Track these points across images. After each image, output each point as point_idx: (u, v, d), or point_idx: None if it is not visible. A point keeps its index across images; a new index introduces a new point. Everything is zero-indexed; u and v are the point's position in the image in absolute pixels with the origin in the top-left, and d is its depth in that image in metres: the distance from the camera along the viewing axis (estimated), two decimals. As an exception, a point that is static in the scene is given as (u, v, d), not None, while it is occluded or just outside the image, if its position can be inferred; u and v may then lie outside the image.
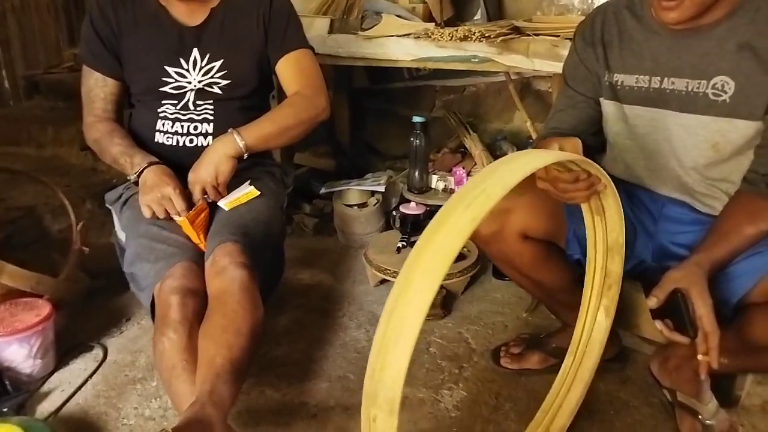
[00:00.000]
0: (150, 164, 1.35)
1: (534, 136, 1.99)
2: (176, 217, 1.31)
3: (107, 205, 1.53)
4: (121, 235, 1.42)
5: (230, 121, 1.41)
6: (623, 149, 1.29)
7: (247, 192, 1.38)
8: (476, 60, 1.78)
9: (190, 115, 1.46)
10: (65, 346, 1.51)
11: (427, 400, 1.35)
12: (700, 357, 1.01)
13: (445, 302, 1.71)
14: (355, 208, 2.16)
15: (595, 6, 1.31)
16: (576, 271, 1.31)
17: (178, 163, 1.41)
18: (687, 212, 1.24)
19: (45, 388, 1.39)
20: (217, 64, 1.44)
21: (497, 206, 1.17)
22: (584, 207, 1.07)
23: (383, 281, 1.80)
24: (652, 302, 1.04)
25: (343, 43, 1.98)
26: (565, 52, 1.35)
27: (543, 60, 1.67)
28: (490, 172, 0.76)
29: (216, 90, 1.46)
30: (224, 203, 1.36)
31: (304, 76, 1.49)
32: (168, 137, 1.46)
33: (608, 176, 0.96)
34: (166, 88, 1.44)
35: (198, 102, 1.46)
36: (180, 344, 1.12)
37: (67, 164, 2.47)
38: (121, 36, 1.44)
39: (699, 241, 1.11)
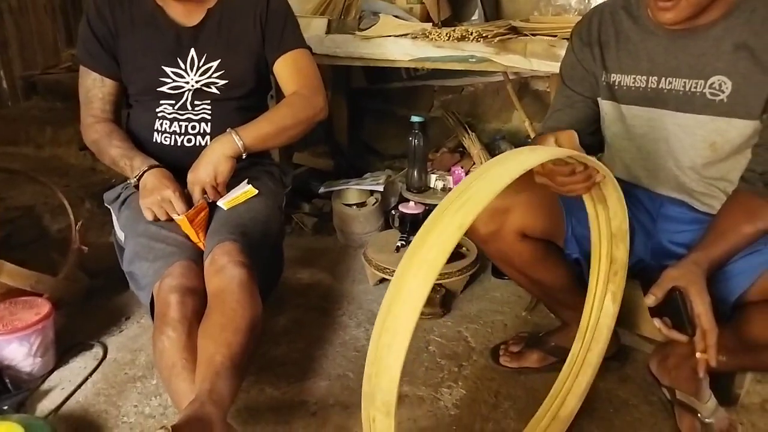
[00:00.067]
0: (150, 167, 1.36)
1: (532, 135, 2.00)
2: (175, 216, 1.31)
3: (106, 205, 1.54)
4: (120, 235, 1.43)
5: (228, 121, 1.42)
6: (621, 149, 1.30)
7: (245, 191, 1.39)
8: (474, 60, 1.78)
9: (188, 115, 1.46)
10: (65, 345, 1.51)
11: (426, 398, 1.35)
12: (698, 355, 1.01)
13: (444, 301, 1.72)
14: (354, 207, 2.16)
15: (592, 6, 1.32)
16: (574, 270, 1.32)
17: (177, 162, 1.41)
18: (685, 211, 1.24)
19: (45, 386, 1.39)
20: (215, 64, 1.44)
21: (496, 205, 1.21)
22: (586, 197, 1.07)
23: (382, 280, 1.81)
24: (650, 300, 1.05)
25: (341, 43, 1.98)
26: (563, 52, 1.36)
27: (540, 60, 1.68)
28: (477, 177, 0.77)
29: (213, 90, 1.46)
30: (223, 202, 1.37)
31: (301, 76, 1.49)
32: (166, 137, 1.46)
33: (605, 166, 0.97)
34: (164, 89, 1.44)
35: (196, 102, 1.46)
36: (179, 343, 1.13)
37: (65, 164, 2.47)
38: (118, 36, 1.44)
39: (697, 239, 1.12)
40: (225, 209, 1.36)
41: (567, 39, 1.33)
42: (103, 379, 1.42)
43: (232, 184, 1.39)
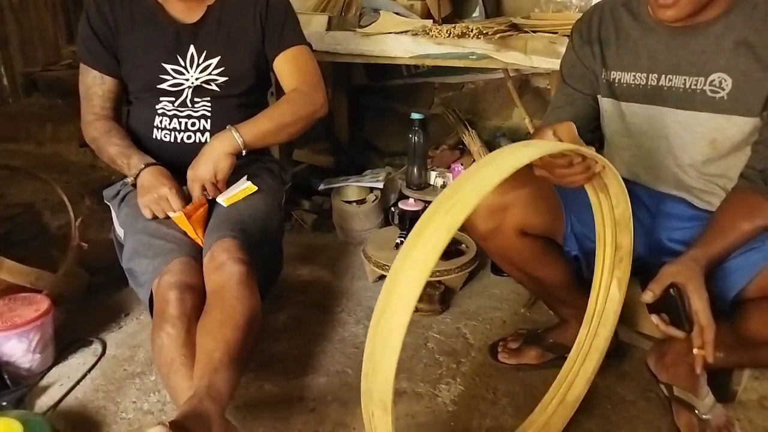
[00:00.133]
0: (147, 165, 1.36)
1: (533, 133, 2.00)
2: (171, 214, 1.31)
3: (106, 202, 1.54)
4: (120, 231, 1.43)
5: (228, 118, 1.42)
6: (621, 146, 1.30)
7: (244, 188, 1.39)
8: (474, 57, 1.78)
9: (188, 112, 1.46)
10: (64, 341, 1.51)
11: (424, 394, 1.35)
12: (695, 351, 1.01)
13: (443, 298, 1.72)
14: (354, 204, 2.16)
15: (592, 3, 1.32)
16: (573, 267, 1.32)
17: (177, 159, 1.41)
18: (685, 208, 1.24)
19: (44, 382, 1.40)
20: (214, 61, 1.44)
21: (495, 202, 1.21)
22: (588, 186, 1.06)
23: (381, 277, 1.81)
24: (648, 297, 1.05)
25: (342, 40, 1.98)
26: (563, 49, 1.36)
27: (541, 57, 1.67)
28: (467, 178, 0.78)
29: (213, 87, 1.46)
30: (222, 199, 1.37)
31: (301, 72, 1.49)
32: (166, 134, 1.46)
33: (602, 156, 0.96)
34: (164, 86, 1.44)
35: (196, 99, 1.46)
36: (178, 339, 1.13)
37: (66, 161, 2.47)
38: (118, 34, 1.44)
39: (696, 236, 1.12)
40: (224, 206, 1.36)
41: (567, 36, 1.33)
42: (102, 376, 1.42)
43: (231, 180, 1.39)
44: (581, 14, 1.31)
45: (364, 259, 1.83)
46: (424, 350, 1.52)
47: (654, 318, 1.06)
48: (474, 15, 2.11)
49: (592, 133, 1.32)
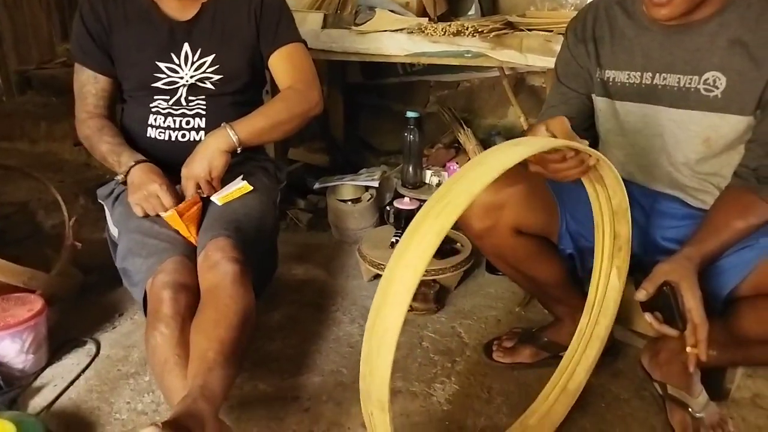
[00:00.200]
0: (137, 162, 1.35)
1: (528, 131, 2.00)
2: (162, 213, 1.30)
3: (100, 201, 1.53)
4: (114, 231, 1.42)
5: (223, 116, 1.41)
6: (615, 145, 1.30)
7: (239, 187, 1.38)
8: (469, 55, 1.78)
9: (183, 110, 1.45)
10: (58, 341, 1.50)
11: (419, 393, 1.35)
12: (689, 349, 1.01)
13: (438, 297, 1.72)
14: (349, 203, 2.16)
15: (587, 2, 1.32)
16: (568, 266, 1.32)
17: (171, 158, 1.40)
18: (679, 207, 1.25)
19: (37, 383, 1.39)
20: (209, 59, 1.43)
21: (490, 201, 1.20)
22: (584, 178, 1.06)
23: (377, 276, 1.81)
24: (642, 295, 1.05)
25: (337, 38, 1.98)
26: (558, 48, 1.36)
27: (536, 55, 1.68)
28: (457, 180, 0.78)
29: (208, 85, 1.45)
30: (217, 198, 1.36)
31: (296, 70, 1.48)
32: (160, 132, 1.46)
33: (595, 150, 0.96)
34: (158, 84, 1.44)
35: (190, 97, 1.45)
36: (172, 339, 1.12)
37: (60, 160, 2.47)
38: (111, 32, 1.43)
39: (689, 234, 1.12)
40: (219, 205, 1.36)
41: (563, 34, 1.33)
42: (96, 376, 1.42)
43: (226, 179, 1.39)
44: (576, 12, 1.31)
45: (359, 258, 1.82)
46: (419, 349, 1.52)
47: (648, 316, 1.06)
48: (469, 13, 2.11)
49: (587, 131, 1.32)
